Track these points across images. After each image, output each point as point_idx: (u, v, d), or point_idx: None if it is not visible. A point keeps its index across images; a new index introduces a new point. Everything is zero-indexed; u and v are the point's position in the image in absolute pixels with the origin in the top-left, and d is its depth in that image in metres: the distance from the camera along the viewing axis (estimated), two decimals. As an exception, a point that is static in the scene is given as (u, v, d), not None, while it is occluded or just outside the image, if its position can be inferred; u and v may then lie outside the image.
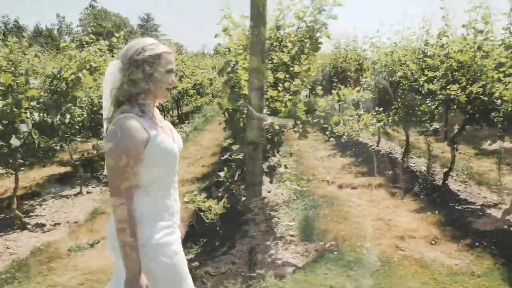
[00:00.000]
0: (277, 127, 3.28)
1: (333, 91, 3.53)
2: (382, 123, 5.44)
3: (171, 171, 1.61)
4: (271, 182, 4.77)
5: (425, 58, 5.66)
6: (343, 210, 4.58)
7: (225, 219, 3.42)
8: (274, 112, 3.45)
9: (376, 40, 7.24)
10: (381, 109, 5.74)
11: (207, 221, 3.06)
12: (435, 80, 5.23)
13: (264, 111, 3.25)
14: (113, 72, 1.54)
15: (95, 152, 7.23)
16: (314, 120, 3.46)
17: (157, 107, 1.69)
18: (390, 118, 5.66)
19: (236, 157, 3.44)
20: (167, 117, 12.15)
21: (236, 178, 3.43)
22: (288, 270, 3.15)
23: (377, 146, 8.50)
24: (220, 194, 3.38)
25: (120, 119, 1.44)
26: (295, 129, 3.49)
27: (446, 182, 5.57)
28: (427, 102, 5.51)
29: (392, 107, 6.38)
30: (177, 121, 11.87)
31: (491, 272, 3.09)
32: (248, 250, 3.17)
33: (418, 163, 6.93)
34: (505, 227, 4.01)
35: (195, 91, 12.49)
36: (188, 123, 12.84)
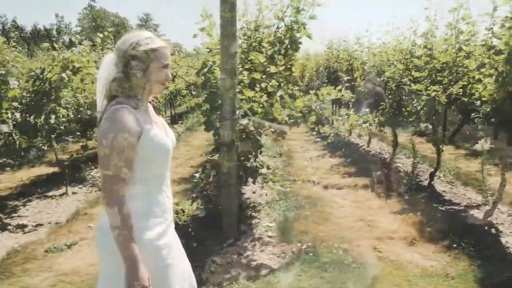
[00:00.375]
0: (252, 128, 3.26)
1: (311, 91, 3.51)
2: (367, 124, 5.41)
3: (164, 167, 1.58)
4: (253, 183, 4.74)
5: (412, 59, 5.65)
6: (325, 211, 4.56)
7: (199, 221, 3.40)
8: (250, 113, 3.43)
9: (366, 40, 7.23)
10: (367, 109, 5.73)
11: (180, 223, 3.04)
12: (422, 80, 5.23)
13: (239, 111, 3.23)
14: (107, 66, 1.52)
15: (83, 152, 7.21)
16: (291, 121, 3.44)
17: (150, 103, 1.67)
18: (376, 119, 5.64)
19: (210, 157, 3.43)
20: (160, 116, 12.12)
21: (211, 179, 3.42)
22: (262, 272, 3.14)
23: (368, 146, 8.49)
24: (194, 196, 3.37)
25: (114, 109, 1.43)
26: (272, 129, 3.47)
27: (432, 183, 5.57)
28: (413, 102, 5.50)
29: (380, 108, 6.37)
30: (169, 121, 11.84)
31: (466, 274, 3.07)
32: (222, 252, 3.15)
33: (407, 164, 6.92)
34: (486, 228, 3.99)
35: (188, 91, 12.45)
36: (182, 123, 12.83)
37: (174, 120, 12.86)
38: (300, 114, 3.43)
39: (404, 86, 5.15)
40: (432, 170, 5.72)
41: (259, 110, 3.38)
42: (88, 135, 7.30)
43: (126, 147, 1.40)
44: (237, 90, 3.27)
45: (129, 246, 1.39)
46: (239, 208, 4.16)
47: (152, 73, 1.50)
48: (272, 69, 3.44)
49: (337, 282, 3.00)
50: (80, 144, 8.09)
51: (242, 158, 3.92)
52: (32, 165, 7.54)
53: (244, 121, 3.21)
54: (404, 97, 5.83)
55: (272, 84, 3.37)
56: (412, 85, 5.33)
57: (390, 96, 6.05)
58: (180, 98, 12.44)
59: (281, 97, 3.38)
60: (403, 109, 5.82)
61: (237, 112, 3.05)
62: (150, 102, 1.65)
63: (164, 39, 1.65)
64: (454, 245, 3.55)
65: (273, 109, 3.34)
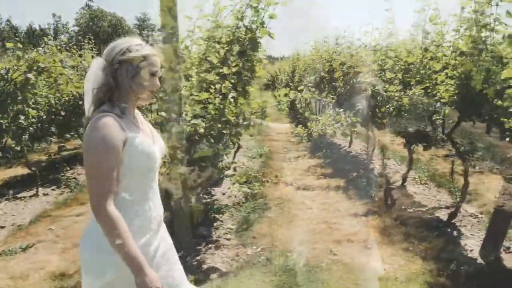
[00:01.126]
0: (201, 130, 3.22)
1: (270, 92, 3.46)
2: (339, 124, 5.39)
3: (150, 175, 1.54)
4: (220, 184, 4.71)
5: (387, 59, 5.62)
6: (291, 213, 4.52)
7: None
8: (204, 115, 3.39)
9: (344, 40, 7.20)
10: (341, 110, 5.69)
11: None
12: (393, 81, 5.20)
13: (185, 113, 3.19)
14: (95, 70, 1.49)
15: (59, 153, 7.17)
16: (245, 123, 3.40)
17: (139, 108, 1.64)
18: (348, 119, 5.60)
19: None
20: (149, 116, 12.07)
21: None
22: (211, 276, 3.09)
23: (349, 147, 8.45)
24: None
25: (98, 118, 1.41)
26: (226, 131, 3.43)
27: (404, 184, 5.53)
28: (386, 104, 5.47)
29: (356, 108, 6.33)
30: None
31: (416, 277, 3.03)
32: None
33: (386, 165, 6.88)
34: (448, 230, 3.95)
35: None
36: (169, 123, 12.75)
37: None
38: (254, 116, 3.39)
39: (371, 88, 5.12)
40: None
41: (212, 112, 3.34)
42: (66, 136, 7.24)
43: (110, 155, 1.38)
44: (188, 92, 3.23)
45: (129, 252, 1.34)
46: (200, 210, 4.12)
47: (140, 80, 1.49)
48: (225, 70, 3.39)
49: (284, 286, 2.96)
50: (61, 144, 8.07)
51: (205, 160, 3.88)
52: (9, 166, 7.49)
53: (196, 121, 3.17)
54: (378, 98, 5.80)
55: (226, 85, 3.33)
56: (386, 86, 5.30)
57: (365, 97, 6.01)
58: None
59: (234, 98, 3.34)
60: (377, 110, 5.79)
61: (183, 114, 3.00)
62: (139, 109, 1.63)
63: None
64: (411, 248, 3.51)
65: (226, 110, 3.30)
